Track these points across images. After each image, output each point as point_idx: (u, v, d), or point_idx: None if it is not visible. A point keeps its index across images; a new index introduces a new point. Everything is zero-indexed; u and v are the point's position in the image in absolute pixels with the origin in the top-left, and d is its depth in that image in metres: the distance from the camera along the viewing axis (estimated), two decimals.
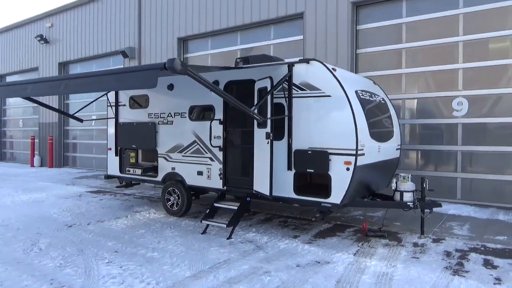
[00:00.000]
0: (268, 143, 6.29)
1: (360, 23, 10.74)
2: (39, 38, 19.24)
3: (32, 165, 19.89)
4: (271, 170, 6.28)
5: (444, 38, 9.54)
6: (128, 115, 8.95)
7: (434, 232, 6.92)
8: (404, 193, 6.56)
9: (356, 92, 6.45)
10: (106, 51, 16.94)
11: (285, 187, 6.54)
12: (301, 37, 11.58)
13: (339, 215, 8.18)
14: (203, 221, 6.85)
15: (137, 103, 8.82)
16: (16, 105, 22.56)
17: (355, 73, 10.71)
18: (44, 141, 19.72)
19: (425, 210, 6.54)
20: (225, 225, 6.51)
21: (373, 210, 8.40)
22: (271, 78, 6.28)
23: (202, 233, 6.77)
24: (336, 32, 10.78)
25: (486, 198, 9.10)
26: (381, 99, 7.54)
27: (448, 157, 9.68)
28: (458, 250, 5.90)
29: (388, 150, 7.28)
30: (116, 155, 9.23)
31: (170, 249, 5.91)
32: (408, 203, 6.47)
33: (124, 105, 9.03)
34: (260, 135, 6.54)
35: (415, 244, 6.19)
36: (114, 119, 9.19)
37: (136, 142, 8.73)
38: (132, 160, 9.05)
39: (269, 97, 6.22)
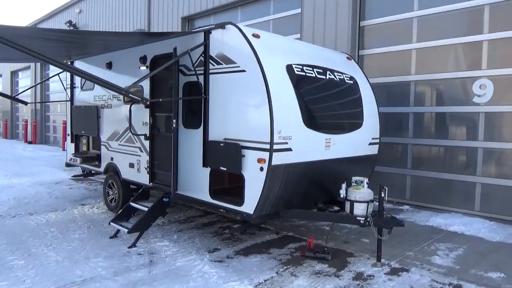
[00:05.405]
0: (172, 131, 4.97)
1: None
2: (68, 24, 19.43)
3: (64, 149, 20.37)
4: (175, 164, 4.98)
5: (465, 1, 7.32)
6: (80, 97, 8.11)
7: (404, 257, 5.11)
8: (355, 203, 4.84)
9: (289, 66, 4.83)
10: None
11: (201, 188, 5.18)
12: (299, 10, 9.87)
13: (304, 222, 6.61)
14: (111, 223, 5.75)
15: (87, 84, 7.92)
16: (56, 91, 23.32)
17: (358, 50, 8.85)
18: None
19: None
20: (126, 230, 5.33)
21: None
22: (175, 49, 4.92)
23: (111, 237, 5.69)
24: (336, 1, 8.94)
25: None
26: (347, 79, 5.76)
27: (465, 155, 7.53)
28: None
29: (350, 144, 5.55)
30: (72, 141, 8.49)
31: (46, 258, 4.89)
32: (358, 218, 4.75)
33: (77, 87, 8.20)
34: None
35: (358, 276, 4.50)
36: (69, 102, 8.42)
37: (84, 127, 7.86)
38: (84, 148, 8.22)
39: (175, 73, 4.89)
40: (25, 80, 26.80)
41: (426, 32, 7.85)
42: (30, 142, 24.54)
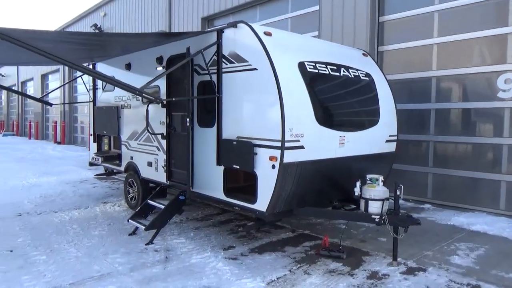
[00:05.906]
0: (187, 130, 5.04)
1: None
2: (94, 28, 19.96)
3: (89, 149, 20.96)
4: (191, 162, 5.05)
5: None
6: (102, 98, 8.34)
7: (422, 256, 5.00)
8: (369, 201, 4.77)
9: (301, 63, 4.81)
10: None
11: (215, 186, 5.23)
12: (317, 7, 9.80)
13: (321, 221, 6.57)
14: (129, 221, 5.88)
15: (108, 85, 8.13)
16: (83, 93, 24.00)
17: (378, 46, 8.70)
18: None
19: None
20: (144, 227, 5.45)
21: None
22: (188, 48, 4.98)
23: (129, 234, 5.82)
24: None
25: None
26: (363, 75, 5.68)
27: (489, 152, 7.28)
28: None
29: (366, 141, 5.47)
30: (94, 141, 8.74)
31: (67, 253, 5.06)
32: (373, 216, 4.68)
33: (99, 88, 8.43)
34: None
35: (373, 275, 4.44)
36: (92, 103, 8.68)
37: (105, 127, 8.08)
38: (106, 147, 8.46)
39: (189, 72, 4.96)
40: (54, 83, 27.73)
41: (447, 26, 7.63)
42: (59, 143, 25.39)
